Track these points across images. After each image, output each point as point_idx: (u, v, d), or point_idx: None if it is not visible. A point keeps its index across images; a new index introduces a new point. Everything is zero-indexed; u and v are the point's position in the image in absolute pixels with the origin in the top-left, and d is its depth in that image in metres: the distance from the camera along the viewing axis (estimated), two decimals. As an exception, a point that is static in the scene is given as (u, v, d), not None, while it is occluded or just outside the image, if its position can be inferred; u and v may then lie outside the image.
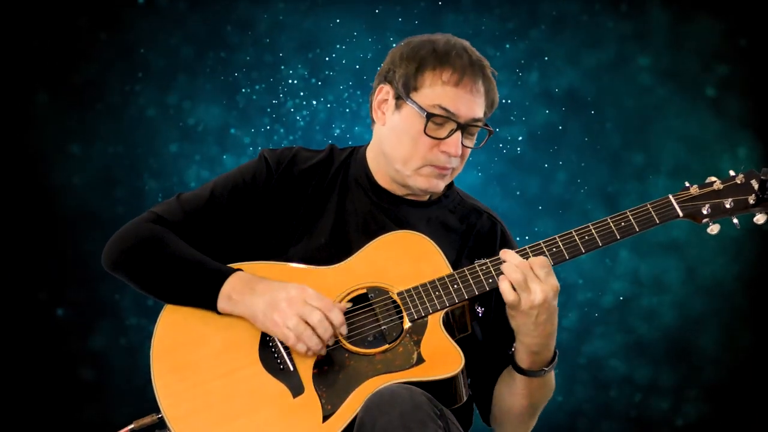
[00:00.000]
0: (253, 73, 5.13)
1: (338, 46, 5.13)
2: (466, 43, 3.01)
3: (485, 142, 3.03)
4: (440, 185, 3.01)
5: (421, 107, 2.93)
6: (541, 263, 2.80)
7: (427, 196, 3.07)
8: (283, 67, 5.13)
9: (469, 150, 3.01)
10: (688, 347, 5.17)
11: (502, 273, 2.82)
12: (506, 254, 2.84)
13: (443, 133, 2.95)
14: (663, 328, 5.16)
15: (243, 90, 5.13)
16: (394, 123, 2.99)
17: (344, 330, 2.83)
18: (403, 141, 2.97)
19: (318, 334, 2.80)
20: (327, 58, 5.13)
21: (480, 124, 2.98)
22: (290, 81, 5.14)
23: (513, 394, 2.95)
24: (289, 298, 2.82)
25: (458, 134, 2.94)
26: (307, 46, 5.14)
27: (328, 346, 2.84)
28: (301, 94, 5.13)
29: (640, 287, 5.17)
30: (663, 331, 5.16)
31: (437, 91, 2.94)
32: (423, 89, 2.95)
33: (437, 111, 2.93)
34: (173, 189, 4.99)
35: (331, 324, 2.81)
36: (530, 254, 2.85)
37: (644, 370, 5.16)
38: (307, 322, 2.80)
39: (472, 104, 2.94)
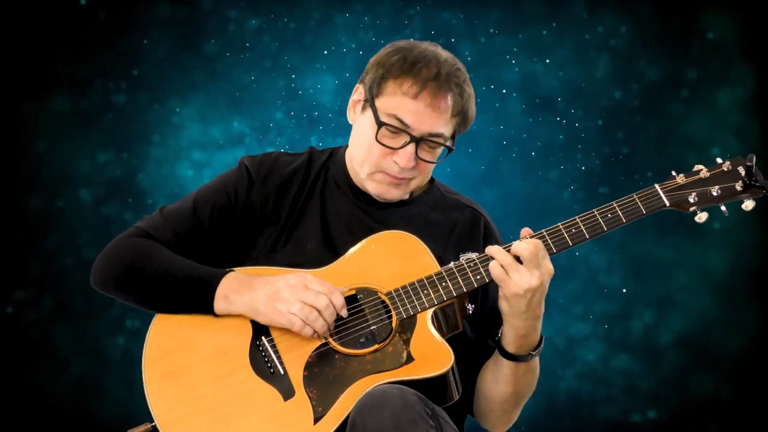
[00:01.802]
0: (252, 73, 5.14)
1: (334, 48, 5.14)
2: (445, 56, 2.94)
3: (444, 158, 2.99)
4: (394, 193, 2.99)
5: (377, 114, 2.92)
6: (536, 245, 2.79)
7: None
8: (277, 69, 5.14)
9: (430, 164, 2.98)
10: (695, 344, 5.16)
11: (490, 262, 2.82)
12: (491, 249, 2.84)
13: (397, 143, 2.93)
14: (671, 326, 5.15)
15: (241, 88, 5.14)
16: (358, 124, 3.00)
17: (344, 312, 2.85)
18: (362, 144, 2.97)
19: (324, 317, 2.82)
20: (317, 64, 5.13)
21: (438, 140, 2.94)
22: (285, 81, 5.15)
23: (498, 381, 2.93)
24: (289, 285, 2.84)
25: (411, 147, 2.91)
26: (302, 46, 5.15)
27: (320, 346, 2.84)
28: (293, 96, 5.14)
29: (638, 286, 5.16)
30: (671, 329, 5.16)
31: (396, 100, 2.91)
32: (384, 97, 2.93)
33: (390, 121, 2.91)
34: (167, 189, 4.99)
35: (334, 307, 2.83)
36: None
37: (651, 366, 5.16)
38: (312, 306, 2.81)
39: (429, 119, 2.90)
